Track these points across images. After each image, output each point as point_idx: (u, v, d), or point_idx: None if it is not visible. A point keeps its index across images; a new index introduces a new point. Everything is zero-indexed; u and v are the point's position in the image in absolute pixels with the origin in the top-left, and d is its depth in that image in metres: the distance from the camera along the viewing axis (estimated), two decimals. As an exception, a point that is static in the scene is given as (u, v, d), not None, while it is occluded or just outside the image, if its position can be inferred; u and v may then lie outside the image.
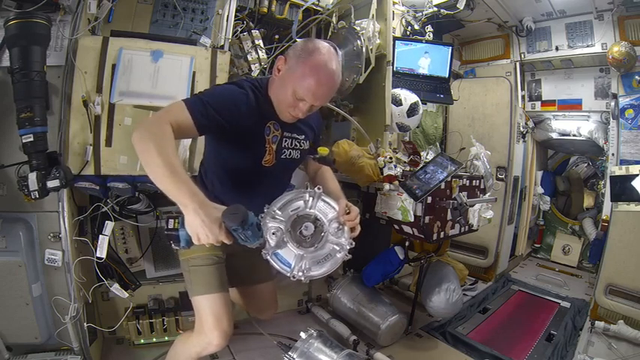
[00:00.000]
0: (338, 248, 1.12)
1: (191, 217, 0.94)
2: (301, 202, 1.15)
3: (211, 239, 0.95)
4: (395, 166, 1.96)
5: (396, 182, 1.91)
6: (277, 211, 1.12)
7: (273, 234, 1.07)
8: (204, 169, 1.40)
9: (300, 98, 1.16)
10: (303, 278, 1.09)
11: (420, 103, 2.24)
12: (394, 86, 2.22)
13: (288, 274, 1.09)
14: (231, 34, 1.90)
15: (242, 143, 1.22)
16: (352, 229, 1.15)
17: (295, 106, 1.18)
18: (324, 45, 1.17)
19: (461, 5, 2.54)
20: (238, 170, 1.30)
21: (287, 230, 1.10)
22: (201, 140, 1.53)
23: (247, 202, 1.01)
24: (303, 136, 1.38)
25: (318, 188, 1.16)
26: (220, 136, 1.20)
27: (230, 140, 1.21)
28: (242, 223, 0.96)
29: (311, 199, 1.16)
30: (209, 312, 1.29)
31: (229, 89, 1.21)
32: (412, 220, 1.84)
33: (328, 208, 1.17)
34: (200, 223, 0.93)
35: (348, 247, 1.12)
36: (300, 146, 1.38)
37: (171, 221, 1.03)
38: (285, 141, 1.32)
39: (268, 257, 1.09)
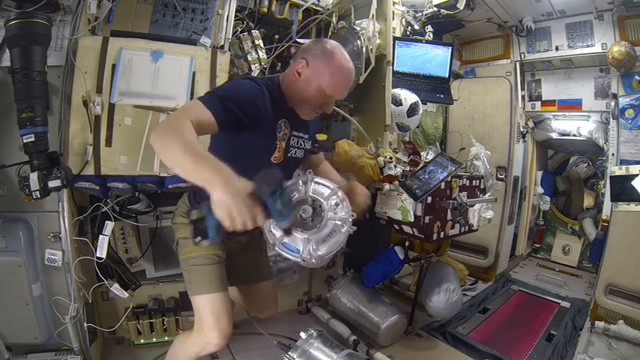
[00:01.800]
0: (340, 223, 1.16)
1: (219, 193, 0.84)
2: (296, 190, 1.21)
3: (246, 216, 0.85)
4: (395, 166, 1.96)
5: (396, 182, 1.91)
6: None
7: (277, 225, 1.09)
8: None
9: (329, 95, 1.24)
10: (313, 260, 1.12)
11: (420, 103, 2.24)
12: (394, 86, 2.23)
13: (299, 259, 1.13)
14: (231, 34, 1.90)
15: (255, 138, 1.23)
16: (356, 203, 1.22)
17: (324, 103, 1.27)
18: (337, 44, 1.26)
19: (461, 5, 2.54)
20: (248, 165, 1.28)
21: None
22: (203, 138, 1.53)
23: None
24: (307, 136, 1.42)
25: (309, 172, 1.23)
26: (235, 131, 1.19)
27: (243, 135, 1.21)
28: (280, 184, 0.88)
29: (304, 185, 1.22)
30: (209, 311, 1.29)
31: (245, 84, 1.23)
32: (412, 220, 1.84)
33: (323, 188, 1.23)
34: (231, 201, 0.84)
35: (351, 220, 1.16)
36: (304, 146, 1.42)
37: (194, 212, 0.93)
38: (293, 139, 1.35)
39: (277, 248, 1.13)
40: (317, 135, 1.56)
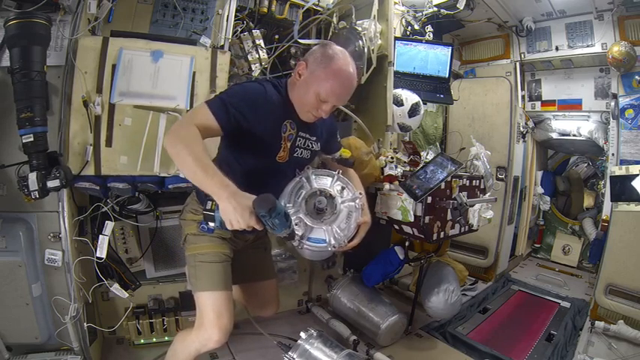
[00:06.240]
0: (353, 203, 1.25)
1: (224, 204, 1.01)
2: (302, 187, 1.29)
3: (242, 224, 1.01)
4: (395, 166, 1.96)
5: (396, 182, 1.91)
6: (288, 205, 1.25)
7: (297, 224, 1.20)
8: (218, 163, 1.41)
9: (323, 100, 1.26)
10: (341, 244, 1.24)
11: (421, 103, 2.24)
12: (394, 86, 2.22)
13: (328, 247, 1.22)
14: (231, 34, 1.90)
15: (260, 139, 1.27)
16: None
17: (318, 107, 1.28)
18: (340, 50, 1.28)
19: (461, 5, 2.54)
20: (253, 165, 1.34)
21: (306, 215, 1.22)
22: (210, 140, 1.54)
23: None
24: (315, 138, 1.44)
25: (308, 168, 1.32)
26: (240, 131, 1.23)
27: (249, 135, 1.24)
28: (269, 211, 1.01)
29: (307, 181, 1.31)
30: (210, 308, 1.30)
31: (250, 87, 1.28)
32: (412, 220, 1.84)
33: (324, 179, 1.33)
34: (232, 211, 1.00)
35: (359, 196, 1.26)
36: (312, 147, 1.44)
37: (209, 203, 1.12)
38: (299, 140, 1.38)
39: (303, 247, 1.23)
40: (342, 150, 1.61)
